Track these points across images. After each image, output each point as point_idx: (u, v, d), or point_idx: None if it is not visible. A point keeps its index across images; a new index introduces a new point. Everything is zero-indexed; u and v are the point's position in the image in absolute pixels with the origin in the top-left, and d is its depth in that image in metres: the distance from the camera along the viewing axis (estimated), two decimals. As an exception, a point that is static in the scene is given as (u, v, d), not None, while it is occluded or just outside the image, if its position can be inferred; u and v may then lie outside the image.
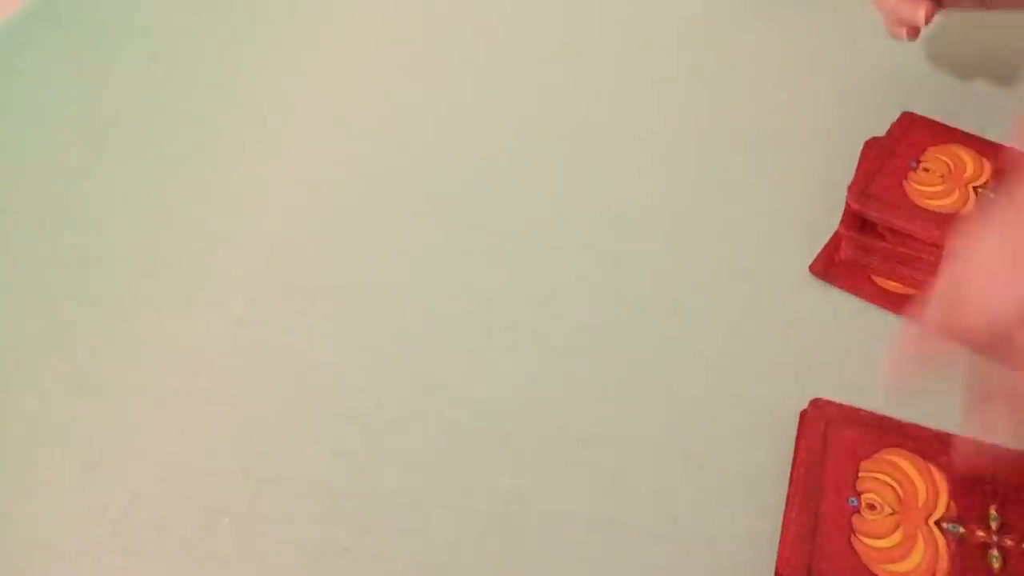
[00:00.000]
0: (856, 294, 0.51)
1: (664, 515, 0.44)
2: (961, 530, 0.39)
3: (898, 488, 0.40)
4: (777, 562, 0.39)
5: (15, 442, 0.46)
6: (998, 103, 0.59)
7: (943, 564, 0.38)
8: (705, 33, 0.65)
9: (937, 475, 0.40)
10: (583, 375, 0.49)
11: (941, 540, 0.38)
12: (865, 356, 0.49)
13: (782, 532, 0.40)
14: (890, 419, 0.42)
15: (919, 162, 0.49)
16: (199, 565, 0.42)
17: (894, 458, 0.41)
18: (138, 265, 0.54)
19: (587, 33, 0.66)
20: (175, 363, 0.49)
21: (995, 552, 0.38)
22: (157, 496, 0.45)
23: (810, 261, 0.52)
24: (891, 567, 0.38)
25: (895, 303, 0.50)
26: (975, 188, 0.48)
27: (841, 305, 0.51)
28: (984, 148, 0.50)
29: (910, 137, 0.50)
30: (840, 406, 0.43)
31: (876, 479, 0.40)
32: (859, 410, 0.43)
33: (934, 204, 0.47)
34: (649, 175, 0.57)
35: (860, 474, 0.40)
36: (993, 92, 0.60)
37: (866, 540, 0.38)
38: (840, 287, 0.51)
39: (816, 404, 0.44)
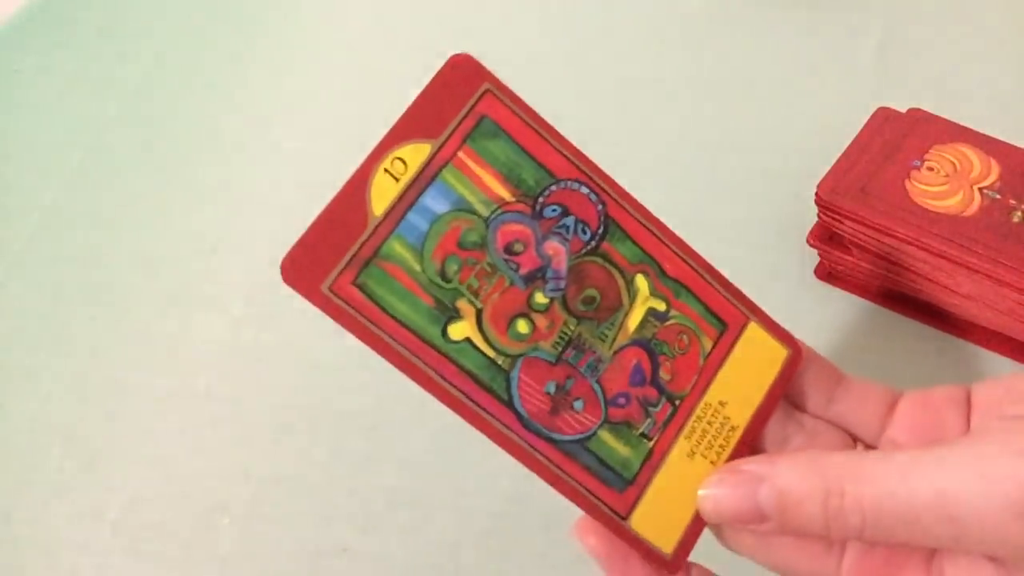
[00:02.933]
0: (861, 296, 0.50)
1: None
2: (998, 196, 0.46)
3: (957, 164, 0.47)
4: (827, 177, 0.48)
5: (15, 442, 0.46)
6: (1009, 102, 0.59)
7: (973, 209, 0.46)
8: (706, 33, 0.65)
9: (994, 164, 0.48)
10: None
11: (978, 196, 0.46)
12: (868, 356, 0.49)
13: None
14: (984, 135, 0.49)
15: (923, 160, 0.48)
16: (199, 565, 0.42)
17: (964, 148, 0.48)
18: (138, 265, 0.54)
19: (587, 33, 0.66)
20: (175, 363, 0.49)
21: (1019, 212, 0.45)
22: (157, 496, 0.45)
23: (815, 263, 0.52)
24: (930, 202, 0.46)
25: (900, 304, 0.50)
26: (981, 189, 0.47)
27: (846, 307, 0.51)
28: (993, 148, 0.49)
29: (916, 134, 0.49)
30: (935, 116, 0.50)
31: (943, 156, 0.47)
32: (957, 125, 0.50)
33: (936, 204, 0.47)
34: (650, 175, 0.57)
35: (930, 151, 0.48)
36: (1004, 91, 0.60)
37: (917, 185, 0.46)
38: (845, 289, 0.51)
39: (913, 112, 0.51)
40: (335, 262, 0.29)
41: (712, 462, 0.32)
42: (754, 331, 0.34)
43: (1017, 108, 0.59)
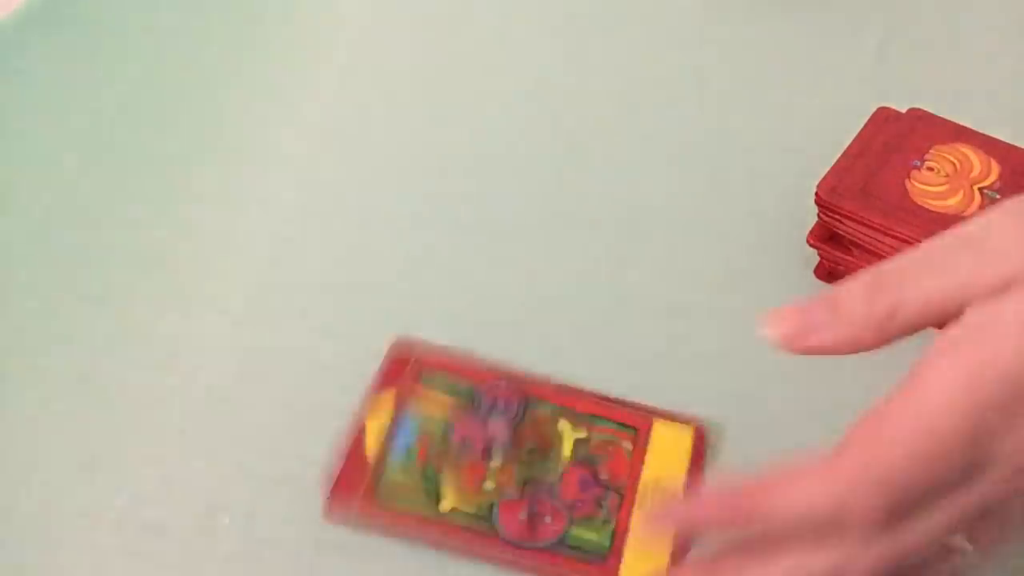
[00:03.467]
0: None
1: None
2: (998, 196, 0.47)
3: (958, 165, 0.48)
4: (827, 177, 0.48)
5: (15, 442, 0.46)
6: (1009, 102, 0.59)
7: (973, 208, 0.47)
8: (706, 33, 0.65)
9: (995, 164, 0.48)
10: (583, 376, 0.49)
11: (978, 197, 0.47)
12: (868, 356, 0.49)
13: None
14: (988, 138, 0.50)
15: (924, 160, 0.48)
16: (199, 565, 0.42)
17: (965, 148, 0.49)
18: (138, 265, 0.54)
19: (587, 32, 0.66)
20: (175, 363, 0.49)
21: None
22: (157, 496, 0.45)
23: (815, 263, 0.52)
24: (930, 202, 0.46)
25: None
26: (981, 189, 0.47)
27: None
28: (993, 148, 0.49)
29: (917, 134, 0.49)
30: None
31: (943, 156, 0.48)
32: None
33: (936, 204, 0.47)
34: (650, 175, 0.57)
35: (930, 151, 0.49)
36: (1004, 91, 0.60)
37: (918, 185, 0.47)
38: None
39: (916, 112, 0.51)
40: (356, 489, 0.42)
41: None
42: (661, 425, 0.44)
43: (1017, 108, 0.59)
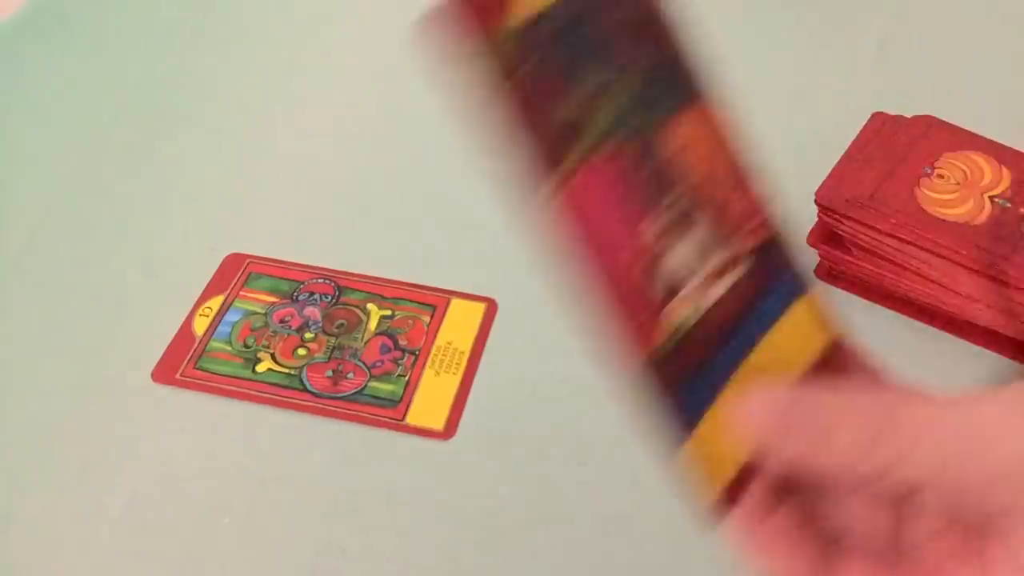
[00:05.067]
0: (861, 296, 0.50)
1: (665, 516, 0.44)
2: (1008, 204, 0.46)
3: (968, 173, 0.47)
4: (828, 180, 0.48)
5: (15, 442, 0.46)
6: (1009, 102, 0.59)
7: (983, 217, 0.46)
8: (705, 33, 0.65)
9: (1006, 172, 0.48)
10: (582, 376, 0.48)
11: (988, 205, 0.47)
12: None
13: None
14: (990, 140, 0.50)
15: (934, 168, 0.48)
16: (199, 565, 0.42)
17: (976, 155, 0.49)
18: (138, 265, 0.54)
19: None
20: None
21: None
22: (157, 496, 0.45)
23: (815, 263, 0.52)
24: (940, 209, 0.46)
25: (900, 304, 0.50)
26: (991, 197, 0.47)
27: (846, 307, 0.50)
28: (1005, 156, 0.48)
29: (927, 141, 0.49)
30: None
31: (953, 164, 0.48)
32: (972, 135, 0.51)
33: (946, 212, 0.46)
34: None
35: (941, 158, 0.49)
36: (1004, 91, 0.60)
37: (928, 192, 0.47)
38: (845, 289, 0.51)
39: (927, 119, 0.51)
40: (181, 361, 0.49)
41: (453, 374, 0.48)
42: (457, 303, 0.51)
43: (1017, 108, 0.59)
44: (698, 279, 0.32)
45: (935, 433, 0.29)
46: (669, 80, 0.32)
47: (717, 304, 0.32)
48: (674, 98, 0.32)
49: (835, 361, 0.35)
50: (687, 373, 0.32)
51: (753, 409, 0.31)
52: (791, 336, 0.35)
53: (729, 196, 0.33)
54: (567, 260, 0.29)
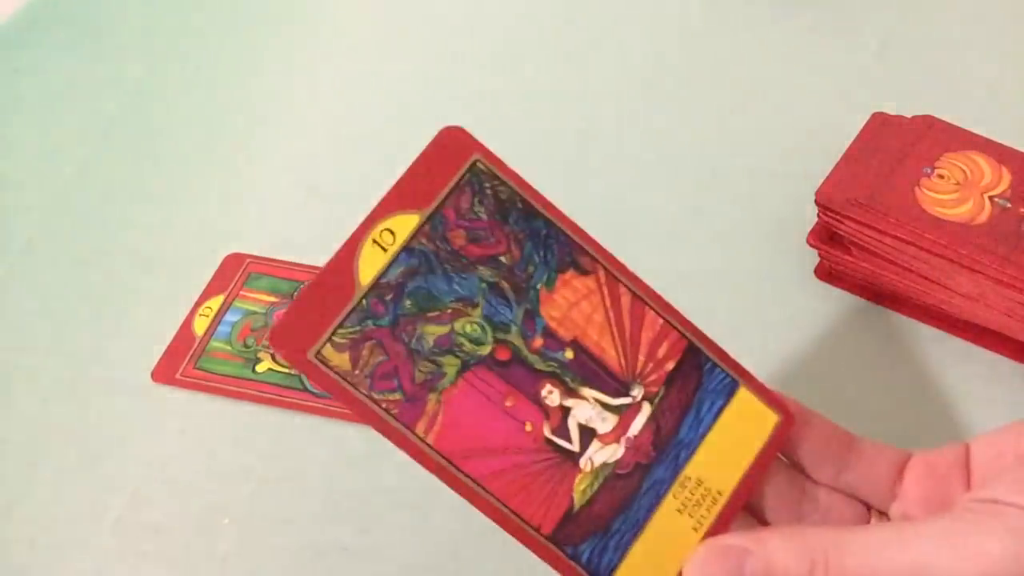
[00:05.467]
0: (861, 296, 0.50)
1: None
2: (1009, 205, 0.46)
3: (968, 172, 0.47)
4: (828, 180, 0.48)
5: (15, 442, 0.46)
6: (1009, 102, 0.59)
7: (983, 217, 0.46)
8: (705, 33, 0.65)
9: (1005, 171, 0.47)
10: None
11: (988, 205, 0.46)
12: (868, 356, 0.49)
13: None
14: (992, 142, 0.49)
15: (934, 168, 0.48)
16: (199, 565, 0.42)
17: (976, 155, 0.48)
18: (138, 265, 0.54)
19: (585, 33, 0.66)
20: (175, 363, 0.49)
21: None
22: (157, 496, 0.45)
23: (815, 263, 0.52)
24: (940, 210, 0.46)
25: (900, 304, 0.50)
26: (991, 198, 0.47)
27: (846, 307, 0.51)
28: (1005, 156, 0.48)
29: (927, 141, 0.49)
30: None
31: (953, 163, 0.47)
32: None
33: (946, 212, 0.46)
34: (649, 175, 0.57)
35: (941, 158, 0.48)
36: (1004, 91, 0.60)
37: (928, 192, 0.46)
38: (845, 289, 0.51)
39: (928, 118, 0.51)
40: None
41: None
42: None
43: (1017, 108, 0.59)
44: (608, 426, 0.34)
45: (879, 571, 0.31)
46: (540, 253, 0.34)
47: (637, 437, 0.34)
48: (549, 268, 0.34)
49: (786, 438, 0.36)
50: (602, 521, 0.34)
51: (706, 569, 0.32)
52: (733, 432, 0.36)
53: (623, 342, 0.35)
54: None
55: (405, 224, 0.33)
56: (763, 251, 0.53)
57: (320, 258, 0.53)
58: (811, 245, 0.50)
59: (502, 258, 0.34)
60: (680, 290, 0.52)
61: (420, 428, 0.32)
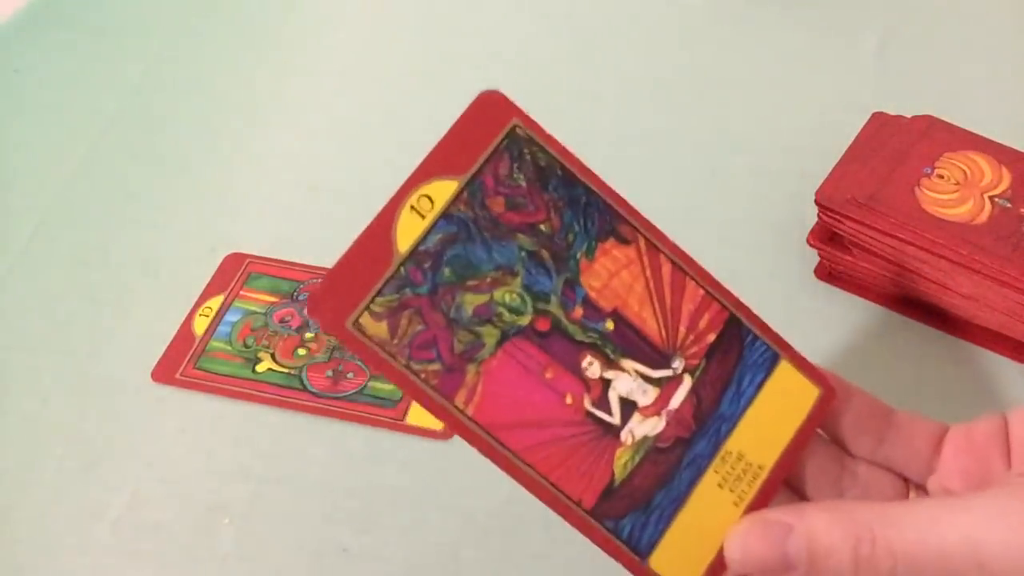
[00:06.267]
0: (861, 296, 0.50)
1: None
2: (1009, 205, 0.46)
3: (968, 173, 0.47)
4: (828, 181, 0.48)
5: (15, 442, 0.46)
6: (1008, 101, 0.59)
7: (983, 217, 0.46)
8: (705, 32, 0.65)
9: (1005, 171, 0.48)
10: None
11: (988, 205, 0.46)
12: (868, 357, 0.49)
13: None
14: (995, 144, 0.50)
15: (934, 168, 0.48)
16: (199, 565, 0.42)
17: (976, 155, 0.48)
18: (138, 265, 0.54)
19: (587, 32, 0.66)
20: (175, 363, 0.49)
21: None
22: (157, 496, 0.45)
23: (815, 263, 0.52)
24: (940, 210, 0.46)
25: (900, 304, 0.50)
26: (991, 198, 0.47)
27: (846, 307, 0.51)
28: (1005, 156, 0.48)
29: (927, 141, 0.49)
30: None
31: (953, 164, 0.47)
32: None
33: (946, 212, 0.46)
34: (649, 175, 0.57)
35: (941, 158, 0.48)
36: (1004, 90, 0.60)
37: (927, 192, 0.46)
38: (845, 290, 0.51)
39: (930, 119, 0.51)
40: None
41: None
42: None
43: (1017, 108, 0.59)
44: (649, 398, 0.34)
45: (929, 546, 0.30)
46: (580, 221, 0.34)
47: (677, 410, 0.34)
48: (589, 237, 0.34)
49: (827, 412, 0.36)
50: (648, 492, 0.33)
51: (749, 542, 0.32)
52: (774, 406, 0.35)
53: (663, 313, 0.34)
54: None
55: (443, 190, 0.32)
56: (763, 251, 0.53)
57: (322, 257, 0.53)
58: (811, 245, 0.50)
59: (541, 226, 0.33)
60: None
61: (460, 399, 0.31)
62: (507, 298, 0.32)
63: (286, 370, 0.48)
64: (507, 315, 0.32)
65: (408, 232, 0.31)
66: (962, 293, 0.47)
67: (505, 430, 0.32)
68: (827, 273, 0.51)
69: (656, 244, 0.35)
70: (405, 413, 0.47)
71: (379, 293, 0.31)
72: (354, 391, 0.47)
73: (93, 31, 0.68)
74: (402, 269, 0.31)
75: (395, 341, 0.31)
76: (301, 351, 0.49)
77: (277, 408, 0.47)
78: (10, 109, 0.63)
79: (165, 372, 0.48)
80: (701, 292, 0.35)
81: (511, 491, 0.44)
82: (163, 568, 0.42)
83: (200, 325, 0.50)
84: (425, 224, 0.32)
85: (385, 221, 0.31)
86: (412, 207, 0.32)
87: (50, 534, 0.43)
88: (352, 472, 0.45)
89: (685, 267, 0.35)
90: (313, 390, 0.48)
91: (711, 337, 0.35)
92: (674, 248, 0.35)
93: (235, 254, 0.53)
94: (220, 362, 0.49)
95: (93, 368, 0.49)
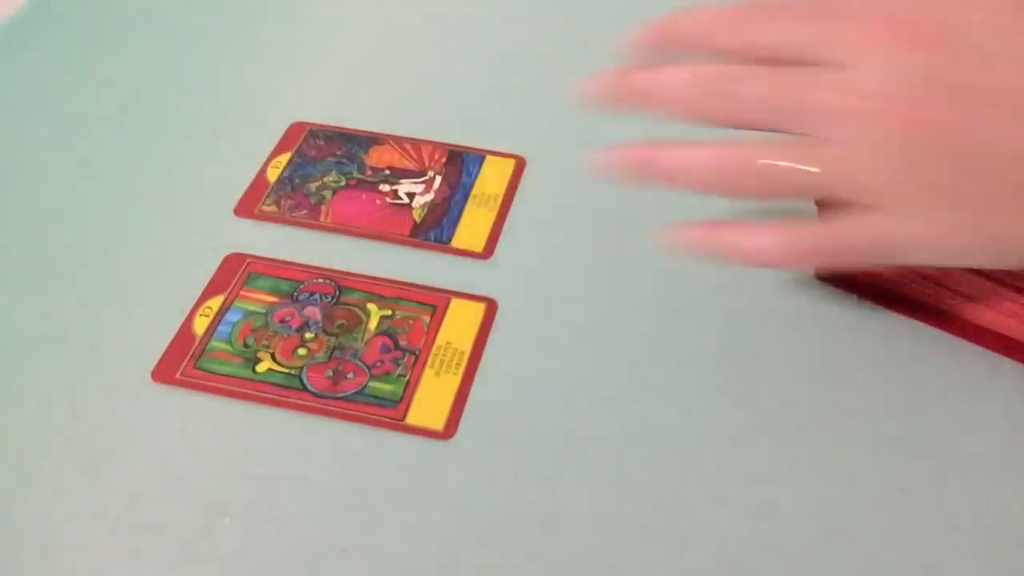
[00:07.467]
0: (861, 296, 0.50)
1: (663, 515, 0.44)
2: None
3: None
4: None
5: (14, 442, 0.46)
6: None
7: None
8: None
9: None
10: (582, 375, 0.49)
11: None
12: (868, 357, 0.49)
13: None
14: None
15: None
16: (199, 565, 0.42)
17: None
18: (138, 265, 0.54)
19: (586, 31, 0.66)
20: (175, 363, 0.49)
21: None
22: (157, 496, 0.45)
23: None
24: None
25: (900, 304, 0.50)
26: None
27: (846, 307, 0.51)
28: None
29: None
30: None
31: None
32: None
33: None
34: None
35: None
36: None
37: None
38: (845, 290, 0.51)
39: None
40: (181, 361, 0.49)
41: (453, 374, 0.48)
42: (457, 303, 0.51)
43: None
44: (419, 188, 0.55)
45: None
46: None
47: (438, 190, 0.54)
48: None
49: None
50: None
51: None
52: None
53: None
54: None
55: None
56: (763, 251, 0.53)
57: (320, 258, 0.53)
58: None
59: None
60: (680, 290, 0.52)
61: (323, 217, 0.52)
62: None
63: (286, 370, 0.48)
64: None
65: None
66: (962, 293, 0.47)
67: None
68: (827, 273, 0.51)
69: None
70: (405, 413, 0.47)
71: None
72: (354, 391, 0.48)
73: (93, 31, 0.68)
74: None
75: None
76: (301, 351, 0.49)
77: (277, 408, 0.47)
78: (10, 109, 0.63)
79: (165, 372, 0.48)
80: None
81: (511, 491, 0.45)
82: (163, 568, 0.42)
83: (200, 325, 0.50)
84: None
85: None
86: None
87: (50, 534, 0.43)
88: (352, 472, 0.45)
89: None
90: (313, 390, 0.48)
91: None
92: None
93: (235, 254, 0.53)
94: (220, 362, 0.49)
95: (93, 368, 0.49)
